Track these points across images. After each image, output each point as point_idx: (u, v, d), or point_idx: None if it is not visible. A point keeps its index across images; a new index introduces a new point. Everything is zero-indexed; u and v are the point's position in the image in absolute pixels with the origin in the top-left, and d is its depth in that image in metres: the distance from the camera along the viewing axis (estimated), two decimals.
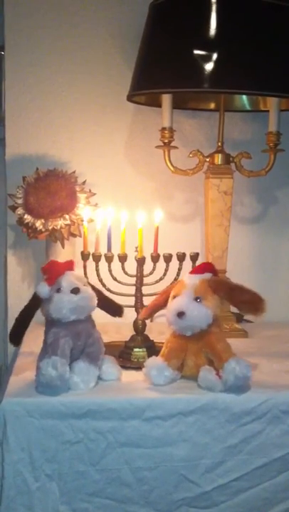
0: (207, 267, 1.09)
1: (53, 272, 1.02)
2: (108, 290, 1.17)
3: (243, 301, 1.04)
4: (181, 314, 1.02)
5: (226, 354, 1.02)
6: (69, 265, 1.05)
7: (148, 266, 1.19)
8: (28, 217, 1.36)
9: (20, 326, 1.04)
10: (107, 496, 0.98)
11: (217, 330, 1.06)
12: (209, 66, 1.21)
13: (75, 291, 1.01)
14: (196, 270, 1.09)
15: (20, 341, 1.07)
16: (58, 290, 1.01)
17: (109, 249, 1.18)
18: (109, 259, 1.17)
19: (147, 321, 1.22)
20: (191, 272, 1.08)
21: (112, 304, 1.11)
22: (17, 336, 1.04)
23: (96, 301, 1.04)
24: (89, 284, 1.06)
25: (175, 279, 1.17)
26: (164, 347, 1.08)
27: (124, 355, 1.17)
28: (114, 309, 1.11)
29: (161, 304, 1.10)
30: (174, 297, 1.05)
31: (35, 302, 1.03)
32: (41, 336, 1.05)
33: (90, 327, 1.05)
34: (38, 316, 1.06)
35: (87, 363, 1.01)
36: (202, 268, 1.09)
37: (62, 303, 1.00)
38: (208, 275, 1.07)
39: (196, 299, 1.03)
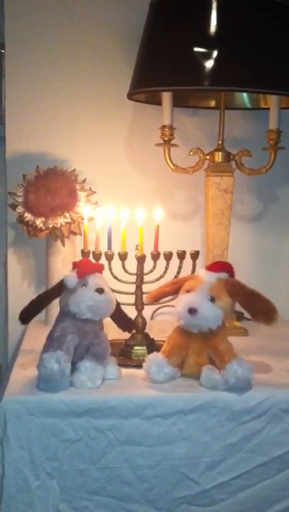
0: (225, 267, 1.07)
1: (83, 268, 1.04)
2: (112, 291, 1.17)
3: (257, 309, 1.03)
4: (193, 311, 1.01)
5: (228, 355, 1.02)
6: (99, 267, 1.07)
7: (148, 264, 1.19)
8: (28, 216, 1.36)
9: (34, 307, 1.05)
10: (107, 494, 0.98)
11: (221, 330, 1.05)
12: (209, 64, 1.21)
13: (100, 291, 1.02)
14: (213, 268, 1.07)
15: (28, 321, 1.06)
16: (84, 285, 1.02)
17: (109, 247, 1.17)
18: (109, 258, 1.17)
19: (148, 319, 1.22)
20: (208, 269, 1.07)
21: (124, 318, 1.12)
22: (27, 314, 1.05)
23: (114, 307, 1.05)
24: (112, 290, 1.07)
25: (175, 278, 1.16)
26: (165, 343, 1.07)
27: (124, 354, 1.17)
28: (125, 323, 1.13)
29: (171, 292, 1.09)
30: (188, 291, 1.04)
31: (58, 289, 1.04)
32: (42, 334, 1.05)
33: (98, 328, 1.05)
34: (40, 316, 1.06)
35: (94, 362, 1.02)
36: (220, 267, 1.07)
37: (83, 297, 1.01)
38: (224, 275, 1.05)
39: (210, 298, 1.03)
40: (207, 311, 1.01)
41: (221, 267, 1.07)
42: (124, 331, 1.14)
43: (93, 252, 1.18)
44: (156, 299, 1.12)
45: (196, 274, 1.08)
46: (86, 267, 1.05)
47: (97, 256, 1.18)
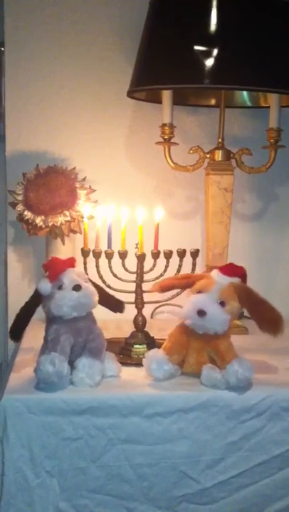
0: (238, 271, 1.06)
1: (54, 269, 1.02)
2: (108, 287, 1.17)
3: (265, 319, 1.03)
4: (202, 313, 1.00)
5: (229, 355, 1.02)
6: (70, 262, 1.05)
7: (148, 263, 1.18)
8: (28, 214, 1.36)
9: (20, 322, 1.04)
10: (107, 492, 0.98)
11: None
12: (210, 62, 1.21)
13: (77, 288, 1.01)
14: (227, 271, 1.06)
15: (20, 337, 1.07)
16: (60, 287, 1.01)
17: (109, 245, 1.17)
18: (109, 256, 1.17)
19: (148, 318, 1.22)
20: (222, 271, 1.06)
21: (112, 300, 1.11)
22: (17, 332, 1.05)
23: (97, 298, 1.04)
24: (90, 280, 1.06)
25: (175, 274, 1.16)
26: (166, 340, 1.07)
27: (124, 352, 1.17)
28: (115, 305, 1.11)
29: (180, 286, 1.09)
30: (198, 291, 1.04)
31: (36, 299, 1.03)
32: (42, 332, 1.05)
33: (90, 323, 1.04)
34: (39, 313, 1.06)
35: (90, 358, 1.01)
36: (233, 270, 1.06)
37: (63, 300, 1.00)
38: (237, 280, 1.05)
39: (220, 302, 1.02)
40: (215, 315, 1.01)
41: (234, 271, 1.06)
42: (115, 312, 1.11)
43: (93, 251, 1.18)
44: (165, 289, 1.11)
45: (209, 275, 1.07)
46: (56, 267, 1.03)
47: (97, 254, 1.17)
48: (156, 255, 1.18)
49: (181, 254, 1.20)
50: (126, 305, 1.14)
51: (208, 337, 1.03)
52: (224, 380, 1.00)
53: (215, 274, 1.06)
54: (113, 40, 1.49)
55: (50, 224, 1.34)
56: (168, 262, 1.19)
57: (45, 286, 1.01)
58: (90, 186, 1.40)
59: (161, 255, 1.19)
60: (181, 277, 1.10)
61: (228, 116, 1.43)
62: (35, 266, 1.53)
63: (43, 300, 1.03)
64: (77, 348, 1.02)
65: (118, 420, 0.97)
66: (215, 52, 1.21)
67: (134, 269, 1.18)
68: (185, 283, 1.07)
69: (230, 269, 1.06)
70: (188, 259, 1.20)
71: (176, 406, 0.98)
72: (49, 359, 0.97)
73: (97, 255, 1.18)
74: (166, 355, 1.04)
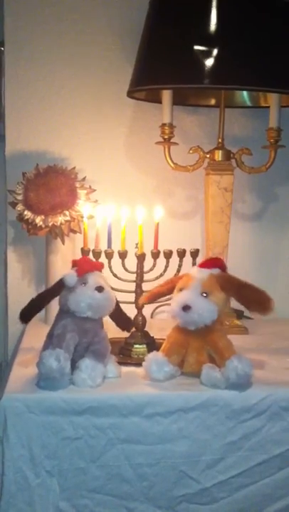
0: (216, 262, 1.08)
1: (83, 266, 1.04)
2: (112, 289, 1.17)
3: (251, 300, 1.03)
4: (186, 308, 1.01)
5: (228, 352, 1.02)
6: (99, 265, 1.07)
7: (148, 262, 1.18)
8: (28, 214, 1.36)
9: (34, 306, 1.05)
10: (107, 492, 0.98)
11: (220, 327, 1.06)
12: (210, 62, 1.21)
13: (100, 289, 1.02)
14: (204, 264, 1.08)
15: (28, 320, 1.06)
16: (83, 284, 1.02)
17: (109, 245, 1.17)
18: (109, 256, 1.17)
19: (148, 318, 1.22)
20: (200, 266, 1.08)
21: (123, 317, 1.12)
22: (27, 314, 1.04)
23: (114, 306, 1.05)
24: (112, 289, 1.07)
25: (175, 276, 1.16)
26: (165, 342, 1.07)
27: (124, 352, 1.17)
28: (124, 322, 1.13)
29: (165, 292, 1.10)
30: (181, 290, 1.05)
31: (58, 288, 1.04)
32: (42, 332, 1.05)
33: (98, 327, 1.05)
34: (39, 314, 1.06)
35: (94, 360, 1.02)
36: (211, 263, 1.08)
37: (83, 296, 1.01)
38: (216, 270, 1.06)
39: (202, 293, 1.03)
40: (201, 306, 1.02)
41: (213, 263, 1.08)
42: (123, 330, 1.14)
43: (93, 251, 1.18)
44: (152, 299, 1.13)
45: (188, 272, 1.08)
46: (86, 265, 1.05)
47: (97, 254, 1.17)
48: (156, 255, 1.18)
49: (181, 254, 1.20)
50: (126, 305, 1.14)
51: (206, 335, 1.03)
52: (224, 376, 1.00)
53: (194, 270, 1.07)
54: (113, 40, 1.49)
55: (50, 224, 1.34)
56: (168, 262, 1.19)
57: (72, 278, 1.02)
58: (89, 186, 1.40)
59: (161, 255, 1.19)
60: (164, 283, 1.11)
61: (228, 116, 1.43)
62: (35, 266, 1.53)
63: (63, 291, 1.03)
64: (80, 348, 1.03)
65: (118, 420, 0.97)
66: (215, 52, 1.21)
67: (134, 269, 1.18)
68: (170, 287, 1.08)
69: (209, 262, 1.08)
70: (188, 259, 1.20)
71: (176, 406, 0.98)
72: (54, 354, 0.97)
73: (96, 255, 1.17)
74: (165, 356, 1.04)
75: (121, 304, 1.12)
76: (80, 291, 1.02)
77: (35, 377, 1.00)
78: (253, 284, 1.05)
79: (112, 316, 1.09)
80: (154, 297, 1.12)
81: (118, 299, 1.09)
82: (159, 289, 1.11)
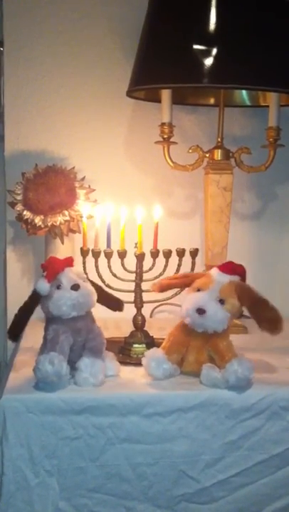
0: (237, 269, 1.06)
1: (52, 269, 1.02)
2: (108, 286, 1.17)
3: (264, 318, 1.02)
4: (201, 311, 1.00)
5: (228, 354, 1.02)
6: (68, 261, 1.04)
7: (147, 262, 1.18)
8: (27, 214, 1.36)
9: (18, 322, 1.04)
10: (106, 491, 0.98)
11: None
12: (209, 61, 1.21)
13: (75, 287, 1.00)
14: (226, 269, 1.06)
15: (18, 337, 1.06)
16: (58, 287, 1.01)
17: (108, 245, 1.17)
18: (108, 256, 1.17)
19: (147, 317, 1.22)
20: (221, 269, 1.06)
21: (112, 299, 1.11)
22: (16, 332, 1.04)
23: (96, 297, 1.04)
24: (88, 279, 1.06)
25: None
26: (166, 340, 1.07)
27: (123, 351, 1.17)
28: (115, 304, 1.11)
29: (179, 285, 1.08)
30: (198, 290, 1.04)
31: (35, 299, 1.03)
32: (41, 332, 1.05)
33: (89, 323, 1.04)
34: (39, 312, 1.06)
35: (92, 357, 1.01)
36: (233, 268, 1.06)
37: (62, 299, 1.00)
38: (236, 278, 1.05)
39: (219, 299, 1.02)
40: (215, 313, 1.01)
41: (234, 269, 1.06)
42: (115, 310, 1.12)
43: (92, 250, 1.18)
44: (164, 289, 1.11)
45: (208, 273, 1.07)
46: (54, 267, 1.02)
47: (96, 254, 1.17)
48: (155, 254, 1.18)
49: (181, 253, 1.20)
50: (125, 304, 1.14)
51: (208, 336, 1.03)
52: (224, 378, 0.99)
53: (214, 272, 1.06)
54: (112, 39, 1.49)
55: (49, 223, 1.34)
56: (167, 262, 1.19)
57: (44, 286, 1.01)
58: (89, 186, 1.40)
59: (161, 254, 1.19)
60: (180, 276, 1.10)
61: (227, 116, 1.43)
62: (34, 265, 1.53)
63: (41, 300, 1.02)
64: (76, 348, 1.02)
65: (117, 419, 0.97)
66: (214, 51, 1.20)
67: (134, 269, 1.18)
68: (184, 282, 1.07)
69: (230, 268, 1.06)
70: (187, 258, 1.20)
71: (176, 405, 0.98)
72: (48, 358, 0.97)
73: (96, 255, 1.17)
74: (165, 354, 1.04)
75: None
76: (56, 295, 1.00)
77: (34, 378, 1.00)
78: (268, 301, 1.03)
79: (100, 302, 1.07)
80: (166, 288, 1.10)
81: (101, 286, 1.08)
82: (174, 281, 1.09)
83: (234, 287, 1.03)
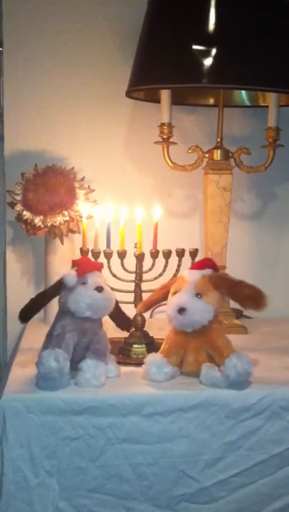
0: (207, 263, 1.09)
1: (83, 267, 1.04)
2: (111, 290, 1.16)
3: (245, 297, 1.04)
4: (182, 310, 1.02)
5: (226, 350, 1.02)
6: (98, 266, 1.07)
7: (147, 262, 1.18)
8: (27, 214, 1.36)
9: (33, 305, 1.05)
10: (106, 491, 0.98)
11: (217, 326, 1.06)
12: (208, 61, 1.21)
13: (99, 289, 1.02)
14: (196, 266, 1.09)
15: (28, 319, 1.06)
16: (83, 284, 1.02)
17: (108, 245, 1.17)
18: (108, 256, 1.17)
19: (147, 318, 1.22)
20: (192, 268, 1.08)
21: (122, 317, 1.12)
22: (27, 313, 1.04)
23: (113, 305, 1.05)
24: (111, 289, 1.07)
25: (174, 276, 1.17)
26: (164, 343, 1.08)
27: (123, 352, 1.17)
28: (123, 322, 1.13)
29: (160, 298, 1.10)
30: (175, 293, 1.05)
31: (57, 288, 1.04)
32: (41, 332, 1.05)
33: (97, 326, 1.05)
34: (39, 314, 1.06)
35: (95, 359, 1.02)
36: (202, 264, 1.09)
37: (82, 296, 1.01)
38: (208, 271, 1.07)
39: (196, 295, 1.03)
40: (196, 308, 1.02)
41: (204, 264, 1.08)
42: (122, 330, 1.14)
43: (92, 250, 1.18)
44: (149, 307, 1.14)
45: (181, 275, 1.08)
46: (86, 265, 1.05)
47: (96, 254, 1.17)
48: (155, 255, 1.18)
49: (180, 253, 1.20)
50: (125, 305, 1.14)
51: (204, 334, 1.03)
52: (224, 375, 1.00)
53: (186, 272, 1.08)
54: (112, 40, 1.49)
55: (49, 224, 1.34)
56: (167, 262, 1.19)
57: (71, 278, 1.02)
58: (88, 186, 1.40)
59: (160, 255, 1.19)
60: (158, 289, 1.12)
61: (226, 116, 1.43)
62: (34, 266, 1.53)
63: (63, 291, 1.03)
64: (79, 348, 1.03)
65: (117, 420, 0.97)
66: (213, 51, 1.21)
67: (133, 269, 1.18)
68: (165, 292, 1.09)
69: (200, 264, 1.09)
70: (187, 258, 1.20)
71: (176, 405, 0.98)
72: (54, 355, 0.97)
73: (95, 255, 1.17)
74: (164, 357, 1.04)
75: (120, 304, 1.12)
76: (79, 291, 1.02)
77: (35, 378, 1.00)
78: (246, 281, 1.05)
79: (112, 316, 1.09)
80: (151, 304, 1.13)
81: (117, 299, 1.09)
82: (154, 295, 1.12)
83: (208, 279, 1.05)
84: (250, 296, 1.03)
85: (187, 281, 1.05)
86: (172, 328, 1.07)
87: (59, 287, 1.04)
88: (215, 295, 1.04)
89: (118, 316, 1.11)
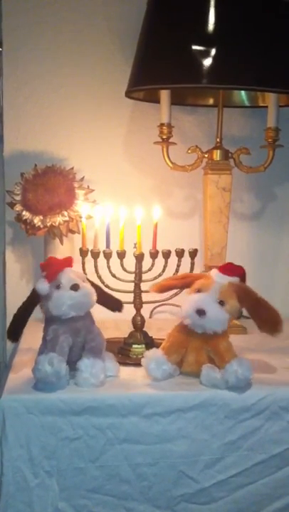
0: (237, 271, 1.06)
1: (52, 269, 1.02)
2: (107, 287, 1.17)
3: (264, 319, 1.03)
4: (201, 313, 1.00)
5: (228, 354, 1.02)
6: (68, 262, 1.04)
7: (147, 262, 1.18)
8: (26, 214, 1.36)
9: (18, 322, 1.04)
10: (106, 492, 0.98)
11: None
12: (208, 62, 1.21)
13: (75, 287, 1.00)
14: (226, 270, 1.06)
15: (17, 338, 1.06)
16: (58, 287, 1.01)
17: (107, 245, 1.17)
18: (107, 256, 1.17)
19: (146, 318, 1.22)
20: (221, 270, 1.06)
21: (111, 300, 1.11)
22: (15, 332, 1.04)
23: (95, 298, 1.04)
24: (88, 280, 1.06)
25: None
26: (165, 340, 1.07)
27: (123, 352, 1.17)
28: (114, 304, 1.11)
29: (179, 286, 1.08)
30: (198, 291, 1.04)
31: (34, 299, 1.03)
32: (40, 333, 1.05)
33: (89, 323, 1.04)
34: (38, 313, 1.06)
35: (92, 357, 1.01)
36: (232, 270, 1.06)
37: (61, 299, 1.00)
38: (236, 279, 1.05)
39: (219, 300, 1.02)
40: (215, 314, 1.01)
41: (234, 271, 1.06)
42: (114, 311, 1.12)
43: (91, 251, 1.18)
44: (164, 290, 1.10)
45: (208, 274, 1.07)
46: (54, 267, 1.02)
47: (95, 254, 1.17)
48: (154, 255, 1.18)
49: (180, 253, 1.20)
50: (125, 305, 1.14)
51: (208, 336, 1.03)
52: (223, 379, 0.99)
53: (214, 273, 1.06)
54: (111, 40, 1.49)
55: (48, 224, 1.34)
56: (166, 262, 1.19)
57: (43, 286, 1.01)
58: (88, 186, 1.40)
59: (160, 255, 1.19)
60: (179, 277, 1.10)
61: (226, 116, 1.43)
62: (33, 266, 1.53)
63: (41, 300, 1.02)
64: (76, 348, 1.02)
65: (117, 420, 0.97)
66: (213, 51, 1.21)
67: (133, 269, 1.18)
68: (184, 283, 1.07)
69: (230, 269, 1.06)
70: (186, 258, 1.20)
71: (175, 406, 0.98)
72: (47, 359, 0.97)
73: (95, 255, 1.17)
74: (164, 354, 1.04)
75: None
76: (56, 295, 1.00)
77: (34, 379, 1.00)
78: (268, 302, 1.04)
79: (100, 302, 1.07)
80: (166, 289, 1.10)
81: (101, 287, 1.08)
82: (173, 282, 1.09)
83: (234, 288, 1.03)
84: (268, 321, 1.02)
85: (213, 284, 1.03)
86: (177, 325, 1.06)
87: (35, 297, 1.02)
88: (236, 306, 1.03)
89: (106, 300, 1.09)
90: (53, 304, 1.00)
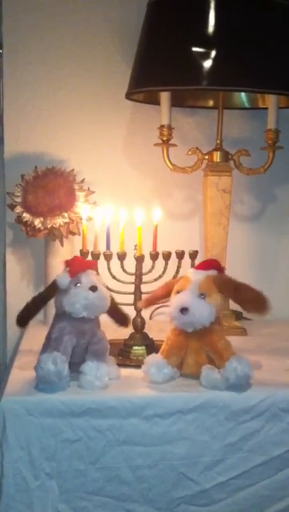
0: (212, 264, 1.08)
1: (75, 267, 1.03)
2: (107, 288, 1.16)
3: (248, 300, 1.03)
4: (184, 310, 1.01)
5: (227, 352, 1.02)
6: (91, 264, 1.06)
7: (147, 264, 1.19)
8: (26, 216, 1.36)
9: (30, 310, 1.04)
10: (106, 494, 0.98)
11: (218, 327, 1.06)
12: (208, 63, 1.21)
13: (93, 288, 1.01)
14: (201, 266, 1.08)
15: (25, 324, 1.05)
16: (77, 284, 1.01)
17: (108, 247, 1.17)
18: (108, 258, 1.17)
19: (146, 319, 1.22)
20: (196, 268, 1.08)
21: (120, 313, 1.11)
22: (24, 318, 1.04)
23: (108, 304, 1.05)
24: (107, 287, 1.07)
25: (174, 277, 1.17)
26: (164, 344, 1.07)
27: (123, 354, 1.17)
28: (122, 319, 1.12)
29: (163, 295, 1.10)
30: (178, 292, 1.05)
31: (52, 291, 1.03)
32: (41, 334, 1.05)
33: (95, 327, 1.05)
34: (38, 316, 1.06)
35: (96, 360, 1.02)
36: (207, 264, 1.08)
37: (77, 297, 1.00)
38: (213, 272, 1.06)
39: (200, 295, 1.03)
40: (198, 308, 1.02)
41: (209, 265, 1.08)
42: (120, 326, 1.13)
43: (92, 252, 1.18)
44: (150, 304, 1.13)
45: (185, 275, 1.08)
46: (78, 265, 1.04)
47: (95, 256, 1.17)
48: (154, 257, 1.18)
49: (180, 255, 1.20)
50: (125, 307, 1.14)
51: (204, 336, 1.03)
52: (224, 378, 0.99)
53: (190, 272, 1.08)
54: (111, 42, 1.49)
55: (48, 226, 1.34)
56: (166, 264, 1.19)
57: (64, 280, 1.01)
58: (88, 188, 1.40)
59: (160, 256, 1.19)
60: (161, 287, 1.11)
61: (226, 118, 1.43)
62: (33, 268, 1.53)
63: (57, 293, 1.03)
64: (78, 350, 1.03)
65: (117, 422, 0.97)
66: (213, 53, 1.21)
67: (133, 271, 1.18)
68: (167, 290, 1.09)
69: (205, 264, 1.08)
70: (186, 260, 1.20)
71: (175, 407, 0.98)
72: (51, 358, 0.97)
73: (95, 257, 1.17)
74: (164, 358, 1.04)
75: (120, 306, 1.11)
76: (73, 292, 1.01)
77: (34, 380, 1.00)
78: (249, 285, 1.05)
79: (109, 313, 1.08)
80: (152, 301, 1.13)
81: (115, 298, 1.09)
82: (157, 292, 1.11)
83: (212, 280, 1.05)
84: (253, 301, 1.03)
85: (191, 281, 1.04)
86: (173, 328, 1.07)
87: (53, 289, 1.03)
88: (218, 296, 1.04)
89: (115, 312, 1.10)
90: (67, 300, 1.01)
